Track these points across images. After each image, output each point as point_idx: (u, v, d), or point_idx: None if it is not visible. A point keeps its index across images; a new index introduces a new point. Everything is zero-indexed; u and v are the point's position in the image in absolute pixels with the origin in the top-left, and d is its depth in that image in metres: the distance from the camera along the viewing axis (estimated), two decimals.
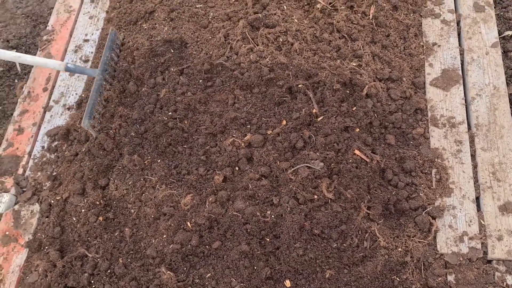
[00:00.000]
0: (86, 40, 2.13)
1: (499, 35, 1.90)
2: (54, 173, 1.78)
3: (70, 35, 2.17)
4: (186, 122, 1.75)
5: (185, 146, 1.71)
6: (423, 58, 1.87)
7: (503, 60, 1.85)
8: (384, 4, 1.97)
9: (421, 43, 1.91)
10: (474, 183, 1.59)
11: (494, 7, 1.97)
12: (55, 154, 1.83)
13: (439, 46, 1.89)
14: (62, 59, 2.10)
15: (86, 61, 2.07)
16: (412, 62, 1.87)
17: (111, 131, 1.79)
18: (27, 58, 1.86)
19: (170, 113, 1.77)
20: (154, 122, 1.74)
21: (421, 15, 1.97)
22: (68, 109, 1.95)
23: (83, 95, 1.97)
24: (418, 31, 1.94)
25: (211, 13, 2.04)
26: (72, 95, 1.99)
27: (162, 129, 1.72)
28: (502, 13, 1.96)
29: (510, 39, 1.89)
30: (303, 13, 1.98)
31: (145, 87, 1.87)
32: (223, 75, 1.84)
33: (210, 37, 1.97)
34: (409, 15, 1.97)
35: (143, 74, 1.90)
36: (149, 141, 1.72)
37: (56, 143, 1.86)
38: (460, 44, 1.90)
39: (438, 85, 1.80)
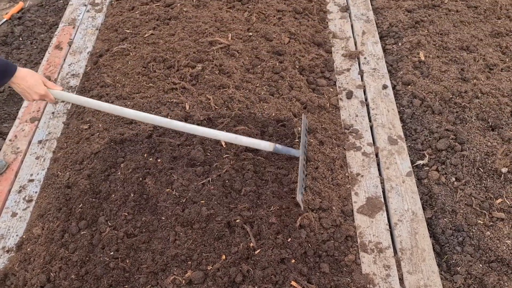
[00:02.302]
0: (31, 180, 2.19)
1: (412, 164, 2.15)
2: None
3: (16, 176, 2.23)
4: (127, 261, 1.79)
5: (126, 286, 1.72)
6: (349, 187, 2.07)
7: (417, 187, 2.07)
8: (312, 140, 2.21)
9: (347, 174, 2.12)
10: None
11: (405, 140, 2.26)
12: None
13: (362, 176, 2.10)
14: (6, 200, 2.13)
15: (30, 201, 2.11)
16: (340, 192, 2.06)
17: (51, 274, 1.78)
18: None
19: (112, 253, 1.80)
20: (95, 263, 1.76)
21: (344, 148, 2.22)
22: (7, 251, 1.94)
23: (24, 236, 1.98)
24: (343, 163, 2.17)
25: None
26: (13, 236, 1.99)
27: (103, 270, 1.74)
28: (412, 145, 2.23)
29: (422, 168, 2.14)
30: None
31: (87, 226, 1.92)
32: (164, 213, 1.93)
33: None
34: (334, 149, 2.20)
35: (86, 213, 1.96)
36: (90, 284, 1.72)
37: None
38: (380, 174, 2.12)
39: (364, 212, 1.98)
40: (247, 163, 2.07)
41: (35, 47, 3.03)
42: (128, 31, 2.86)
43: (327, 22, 2.92)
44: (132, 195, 2.00)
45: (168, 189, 2.00)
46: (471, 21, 2.74)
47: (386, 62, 2.63)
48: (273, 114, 2.28)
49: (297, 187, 1.89)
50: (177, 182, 2.01)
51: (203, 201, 1.94)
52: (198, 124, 2.22)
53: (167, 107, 2.35)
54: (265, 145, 1.98)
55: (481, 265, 1.78)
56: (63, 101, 2.51)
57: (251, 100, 2.35)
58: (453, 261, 1.83)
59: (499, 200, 1.92)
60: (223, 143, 2.15)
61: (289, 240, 1.82)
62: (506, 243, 1.81)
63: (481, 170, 2.03)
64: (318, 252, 1.83)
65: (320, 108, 2.38)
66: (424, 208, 2.00)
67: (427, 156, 2.16)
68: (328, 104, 2.41)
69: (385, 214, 1.97)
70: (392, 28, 2.81)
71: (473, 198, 1.96)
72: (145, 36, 2.79)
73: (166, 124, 1.98)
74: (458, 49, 2.58)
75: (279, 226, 1.86)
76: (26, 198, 2.13)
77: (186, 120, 2.26)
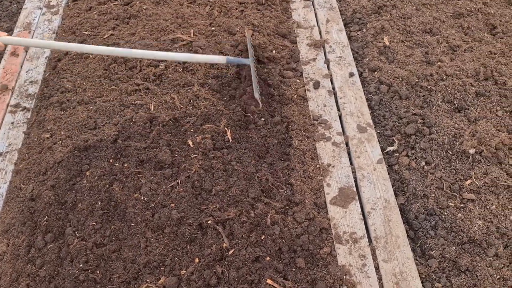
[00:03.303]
0: None
1: (382, 151, 2.15)
2: None
3: None
4: (98, 272, 1.73)
5: None
6: (321, 179, 2.05)
7: (389, 174, 2.07)
8: (280, 128, 2.18)
9: (318, 165, 2.10)
10: None
11: (375, 127, 2.25)
12: None
13: (333, 166, 2.09)
14: None
15: None
16: (312, 184, 2.04)
17: None
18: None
19: (81, 265, 1.74)
20: (65, 277, 1.70)
21: (314, 140, 2.20)
22: None
23: None
24: (313, 154, 2.15)
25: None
26: None
27: (73, 284, 1.68)
28: (382, 131, 2.23)
29: (392, 154, 2.14)
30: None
31: (53, 239, 1.85)
32: (134, 219, 1.87)
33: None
34: (304, 141, 2.18)
35: (52, 226, 1.89)
36: None
37: None
38: (351, 163, 2.11)
39: (338, 203, 1.96)
40: (216, 162, 2.03)
41: None
42: (86, 33, 2.77)
43: (290, 12, 2.88)
44: (99, 203, 1.94)
45: (136, 195, 1.95)
46: (433, 3, 2.74)
47: (351, 49, 2.62)
48: (239, 109, 2.24)
49: (253, 89, 2.20)
50: (145, 186, 1.95)
51: (173, 204, 1.89)
52: (163, 126, 2.18)
53: (131, 110, 2.28)
54: (219, 59, 2.26)
55: (454, 248, 1.80)
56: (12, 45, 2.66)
57: (217, 97, 2.30)
58: (427, 245, 1.83)
59: (469, 181, 1.94)
60: (191, 143, 2.11)
61: (262, 237, 1.80)
62: (477, 223, 1.82)
63: (450, 152, 2.04)
64: (293, 248, 1.81)
65: (288, 100, 2.35)
66: (396, 195, 2.00)
67: (397, 142, 2.16)
68: (295, 96, 2.38)
69: (358, 203, 1.96)
70: (355, 15, 2.80)
71: (443, 181, 1.97)
72: (105, 37, 2.70)
73: (124, 54, 2.29)
74: (421, 32, 2.58)
75: (251, 225, 1.83)
76: None
77: (151, 122, 2.20)
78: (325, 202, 1.98)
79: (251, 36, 2.61)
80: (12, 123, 2.40)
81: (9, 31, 3.06)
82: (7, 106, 2.48)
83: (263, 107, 2.23)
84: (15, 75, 2.63)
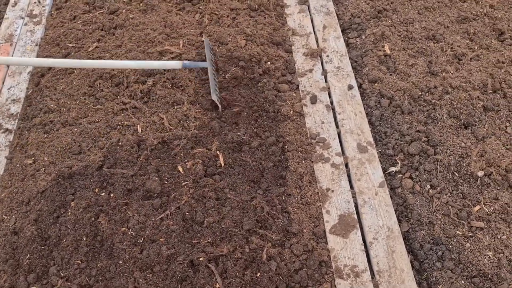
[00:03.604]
0: None
1: (384, 171, 2.02)
2: None
3: None
4: None
5: None
6: (320, 205, 1.93)
7: (391, 197, 1.95)
8: (276, 150, 2.06)
9: (316, 190, 1.98)
10: None
11: (376, 146, 2.12)
12: None
13: (332, 191, 1.97)
14: None
15: None
16: (310, 211, 1.92)
17: None
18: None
19: None
20: None
21: (312, 161, 2.07)
22: None
23: None
24: (311, 177, 2.02)
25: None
26: None
27: None
28: (383, 150, 2.10)
29: (395, 175, 2.02)
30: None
31: (37, 280, 1.74)
32: (121, 256, 1.76)
33: None
34: (301, 163, 2.06)
35: (35, 264, 1.78)
36: None
37: None
38: (351, 187, 1.99)
39: (337, 232, 1.85)
40: (208, 190, 1.91)
41: None
42: (70, 45, 2.62)
43: (285, 18, 2.73)
44: (84, 238, 1.82)
45: (123, 228, 1.83)
46: (436, 6, 2.58)
47: (350, 58, 2.47)
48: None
49: (211, 91, 2.14)
50: (133, 219, 1.84)
51: (162, 239, 1.78)
52: (151, 150, 2.05)
53: (118, 131, 2.16)
54: (174, 64, 2.18)
55: (463, 282, 1.69)
56: None
57: (209, 116, 2.17)
58: (434, 278, 1.72)
59: (477, 208, 1.82)
60: (181, 169, 1.98)
61: (258, 275, 1.69)
62: (487, 255, 1.71)
63: (456, 174, 1.92)
64: (291, 285, 1.70)
65: (284, 117, 2.22)
66: (399, 221, 1.89)
67: (399, 162, 2.03)
68: (291, 111, 2.25)
69: (359, 232, 1.84)
70: (354, 20, 2.64)
71: (450, 207, 1.85)
72: (89, 50, 2.55)
73: (79, 65, 2.24)
74: (424, 39, 2.43)
75: (246, 261, 1.72)
76: None
77: (139, 146, 2.08)
78: (325, 231, 1.87)
79: (244, 46, 2.46)
80: None
81: None
82: None
83: (222, 110, 2.18)
84: None
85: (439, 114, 2.12)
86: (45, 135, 2.21)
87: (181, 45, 2.49)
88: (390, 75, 2.33)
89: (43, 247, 1.83)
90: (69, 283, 1.72)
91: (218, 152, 2.03)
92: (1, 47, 2.74)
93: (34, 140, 2.21)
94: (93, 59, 2.50)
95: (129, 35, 2.60)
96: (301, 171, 2.03)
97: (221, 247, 1.74)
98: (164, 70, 2.36)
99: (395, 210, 1.90)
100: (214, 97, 2.12)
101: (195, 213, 1.85)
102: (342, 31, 2.62)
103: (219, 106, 2.16)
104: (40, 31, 2.79)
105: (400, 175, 2.01)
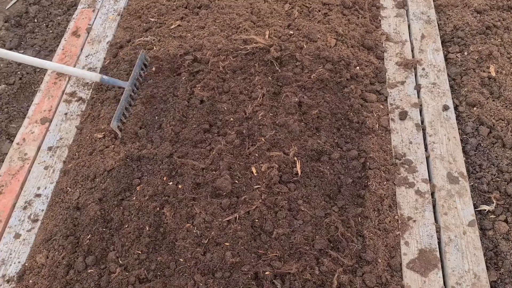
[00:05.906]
0: (37, 195, 1.96)
1: (475, 208, 1.82)
2: None
3: (21, 188, 2.00)
4: None
5: None
6: (399, 234, 1.76)
7: (481, 239, 1.75)
8: (356, 164, 1.90)
9: (396, 217, 1.81)
10: None
11: (468, 178, 1.92)
12: None
13: (414, 221, 1.79)
14: (9, 217, 1.92)
15: (35, 220, 1.89)
16: (387, 240, 1.75)
17: None
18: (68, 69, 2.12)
19: None
20: None
21: (394, 184, 1.90)
22: (8, 281, 1.73)
23: (26, 264, 1.76)
24: (392, 202, 1.85)
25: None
26: (14, 263, 1.78)
27: None
28: (476, 184, 1.89)
29: (486, 214, 1.81)
30: None
31: (95, 263, 1.69)
32: (183, 254, 1.67)
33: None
34: (382, 184, 1.89)
35: (94, 246, 1.72)
36: None
37: None
38: (436, 220, 1.80)
39: (416, 269, 1.68)
40: (281, 199, 1.78)
41: (50, 31, 2.75)
42: (152, 19, 2.54)
43: (379, 20, 2.52)
44: (147, 228, 1.75)
45: (188, 224, 1.74)
46: None
47: (448, 75, 2.25)
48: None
49: (114, 116, 1.99)
50: (199, 216, 1.74)
51: (227, 244, 1.67)
52: (225, 144, 1.94)
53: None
54: (91, 76, 2.11)
55: None
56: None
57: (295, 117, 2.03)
58: None
59: None
60: (254, 171, 1.86)
61: None
62: None
63: None
64: None
65: (369, 130, 2.04)
66: (487, 268, 1.69)
67: (495, 201, 1.82)
68: (377, 125, 2.07)
69: (440, 273, 1.67)
70: (457, 32, 2.40)
71: None
72: (172, 27, 2.46)
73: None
74: None
75: (315, 284, 1.58)
76: (32, 217, 1.90)
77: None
78: (401, 265, 1.70)
79: (333, 46, 2.29)
80: (66, 114, 2.23)
81: (73, 6, 2.89)
82: (63, 93, 2.32)
83: (123, 137, 2.03)
84: (74, 59, 2.46)
85: None
86: None
87: (266, 36, 2.35)
88: (493, 100, 2.10)
89: (104, 229, 1.77)
90: (127, 273, 1.65)
91: (295, 158, 1.89)
92: (83, 11, 2.70)
93: (106, 114, 2.15)
94: (174, 37, 2.40)
95: (214, 17, 2.48)
96: (381, 193, 1.86)
97: (290, 264, 1.62)
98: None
99: (483, 254, 1.70)
100: (114, 124, 1.99)
101: (264, 221, 1.73)
102: (442, 43, 2.39)
103: (119, 133, 2.03)
104: (124, 0, 2.72)
105: (493, 216, 1.80)
